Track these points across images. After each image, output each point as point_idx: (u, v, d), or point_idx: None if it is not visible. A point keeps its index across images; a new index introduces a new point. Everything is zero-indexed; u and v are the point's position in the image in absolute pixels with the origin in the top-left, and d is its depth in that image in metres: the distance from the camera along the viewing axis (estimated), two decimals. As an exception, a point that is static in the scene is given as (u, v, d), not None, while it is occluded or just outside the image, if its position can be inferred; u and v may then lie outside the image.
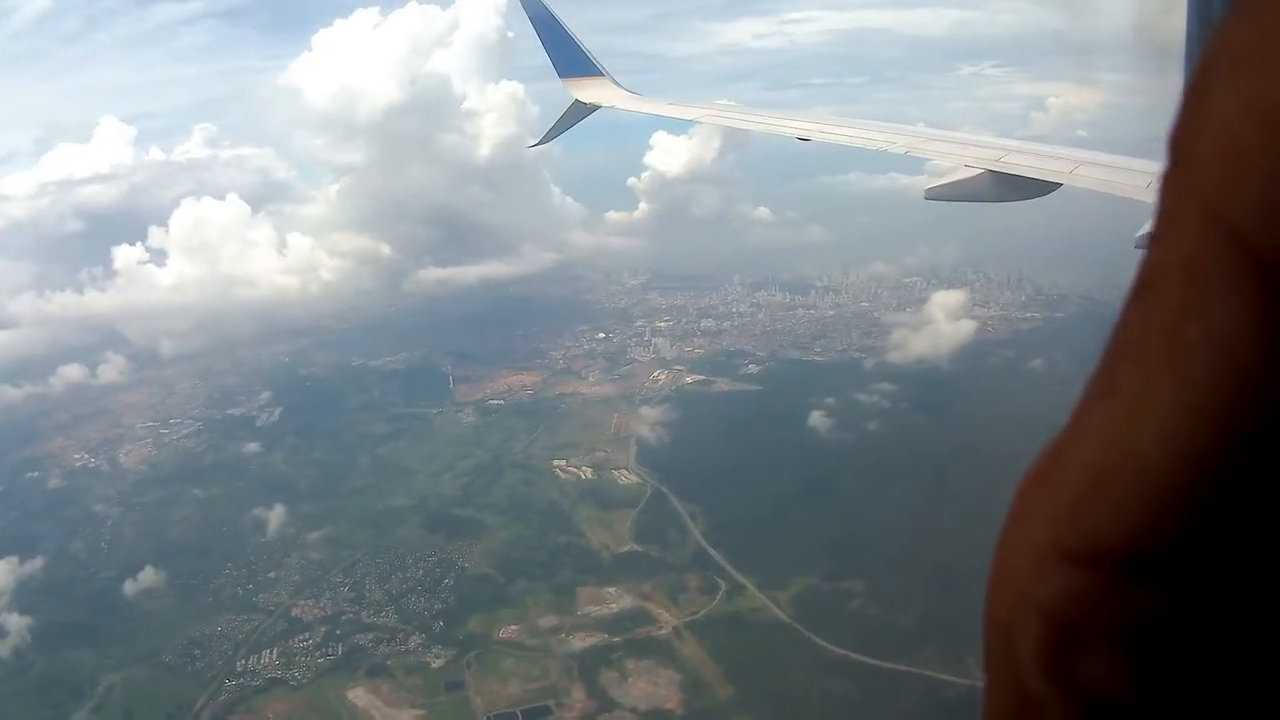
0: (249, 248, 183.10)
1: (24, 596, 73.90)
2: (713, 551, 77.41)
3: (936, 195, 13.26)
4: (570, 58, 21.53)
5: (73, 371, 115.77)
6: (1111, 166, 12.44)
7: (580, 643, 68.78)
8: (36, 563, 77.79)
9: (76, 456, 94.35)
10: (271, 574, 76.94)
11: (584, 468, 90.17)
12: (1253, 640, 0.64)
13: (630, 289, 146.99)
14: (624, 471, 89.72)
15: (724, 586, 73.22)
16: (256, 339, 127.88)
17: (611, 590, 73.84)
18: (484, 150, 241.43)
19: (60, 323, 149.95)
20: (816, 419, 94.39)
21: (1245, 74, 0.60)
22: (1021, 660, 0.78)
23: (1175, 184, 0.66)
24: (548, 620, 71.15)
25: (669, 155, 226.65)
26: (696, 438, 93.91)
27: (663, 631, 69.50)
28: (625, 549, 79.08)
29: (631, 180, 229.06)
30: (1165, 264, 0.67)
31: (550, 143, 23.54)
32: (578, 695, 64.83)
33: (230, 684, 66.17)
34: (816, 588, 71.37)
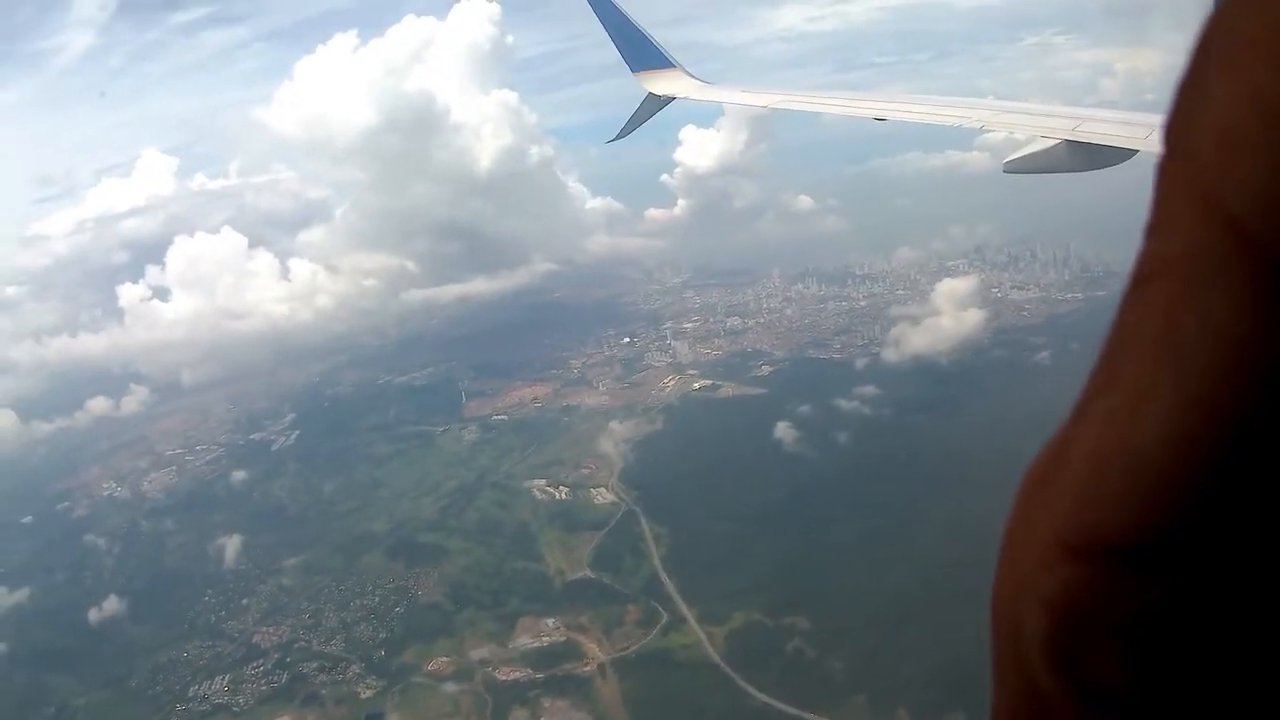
0: (276, 271, 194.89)
1: (18, 620, 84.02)
2: (665, 579, 78.52)
3: (1015, 168, 13.59)
4: (641, 51, 22.05)
5: (99, 404, 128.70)
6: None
7: (504, 678, 71.37)
8: (47, 587, 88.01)
9: (105, 486, 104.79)
10: (245, 601, 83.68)
11: (561, 488, 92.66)
12: (1254, 632, 0.66)
13: (669, 288, 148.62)
14: (602, 490, 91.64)
15: (664, 619, 74.18)
16: (293, 360, 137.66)
17: (550, 621, 76.03)
18: (499, 160, 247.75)
19: (78, 360, 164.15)
20: (783, 431, 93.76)
21: (1244, 62, 0.62)
22: (1028, 655, 0.80)
23: (1172, 174, 0.69)
24: (480, 652, 74.02)
25: (699, 150, 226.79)
26: (682, 451, 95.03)
27: (587, 669, 70.92)
28: (579, 575, 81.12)
29: (665, 177, 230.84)
30: (1163, 255, 0.69)
31: (612, 141, 24.05)
32: (482, 734, 67.84)
33: (180, 709, 72.99)
34: (757, 624, 71.30)
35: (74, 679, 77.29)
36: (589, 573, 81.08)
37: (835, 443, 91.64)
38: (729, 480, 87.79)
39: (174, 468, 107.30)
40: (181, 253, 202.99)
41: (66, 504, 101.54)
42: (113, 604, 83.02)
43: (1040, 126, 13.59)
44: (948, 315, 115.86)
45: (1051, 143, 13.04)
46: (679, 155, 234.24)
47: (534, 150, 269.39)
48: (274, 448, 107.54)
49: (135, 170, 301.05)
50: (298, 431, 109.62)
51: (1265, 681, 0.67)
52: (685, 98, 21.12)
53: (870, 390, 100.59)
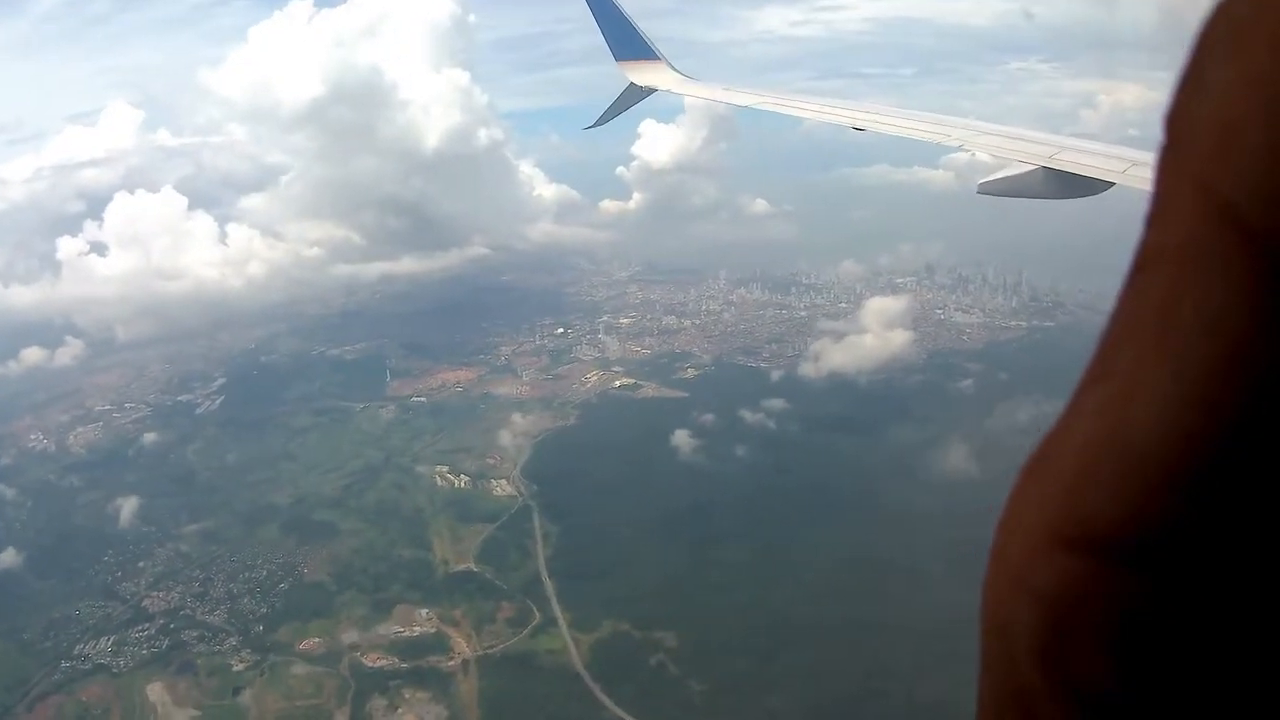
0: (215, 234, 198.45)
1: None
2: (546, 580, 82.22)
3: (989, 190, 13.63)
4: (626, 40, 22.30)
5: (33, 354, 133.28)
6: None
7: (370, 664, 75.19)
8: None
9: (33, 437, 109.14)
10: (141, 563, 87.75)
11: (462, 476, 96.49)
12: (1249, 634, 0.68)
13: (614, 281, 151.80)
14: (503, 482, 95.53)
15: (537, 620, 77.82)
16: (234, 323, 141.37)
17: (424, 612, 79.88)
18: (447, 139, 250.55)
19: (12, 309, 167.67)
20: (681, 439, 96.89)
21: (1243, 51, 0.63)
22: (1015, 652, 0.82)
23: (1171, 163, 0.70)
24: (351, 636, 77.90)
25: (658, 144, 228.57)
26: (588, 450, 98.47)
27: (451, 664, 74.65)
28: (462, 568, 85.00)
29: (620, 169, 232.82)
30: (1161, 244, 0.71)
31: (589, 128, 24.96)
32: (340, 719, 71.84)
33: (65, 666, 77.28)
34: (625, 635, 74.58)
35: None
36: (473, 565, 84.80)
37: (733, 455, 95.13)
38: (628, 484, 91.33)
39: (101, 424, 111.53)
40: (121, 209, 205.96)
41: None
42: (10, 556, 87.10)
43: (1018, 151, 13.93)
44: (875, 334, 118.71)
45: (1028, 168, 13.29)
46: (636, 149, 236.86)
47: (483, 132, 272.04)
48: (198, 411, 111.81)
49: (100, 121, 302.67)
50: (223, 397, 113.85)
51: (1259, 685, 0.64)
52: (667, 90, 21.67)
53: (779, 404, 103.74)
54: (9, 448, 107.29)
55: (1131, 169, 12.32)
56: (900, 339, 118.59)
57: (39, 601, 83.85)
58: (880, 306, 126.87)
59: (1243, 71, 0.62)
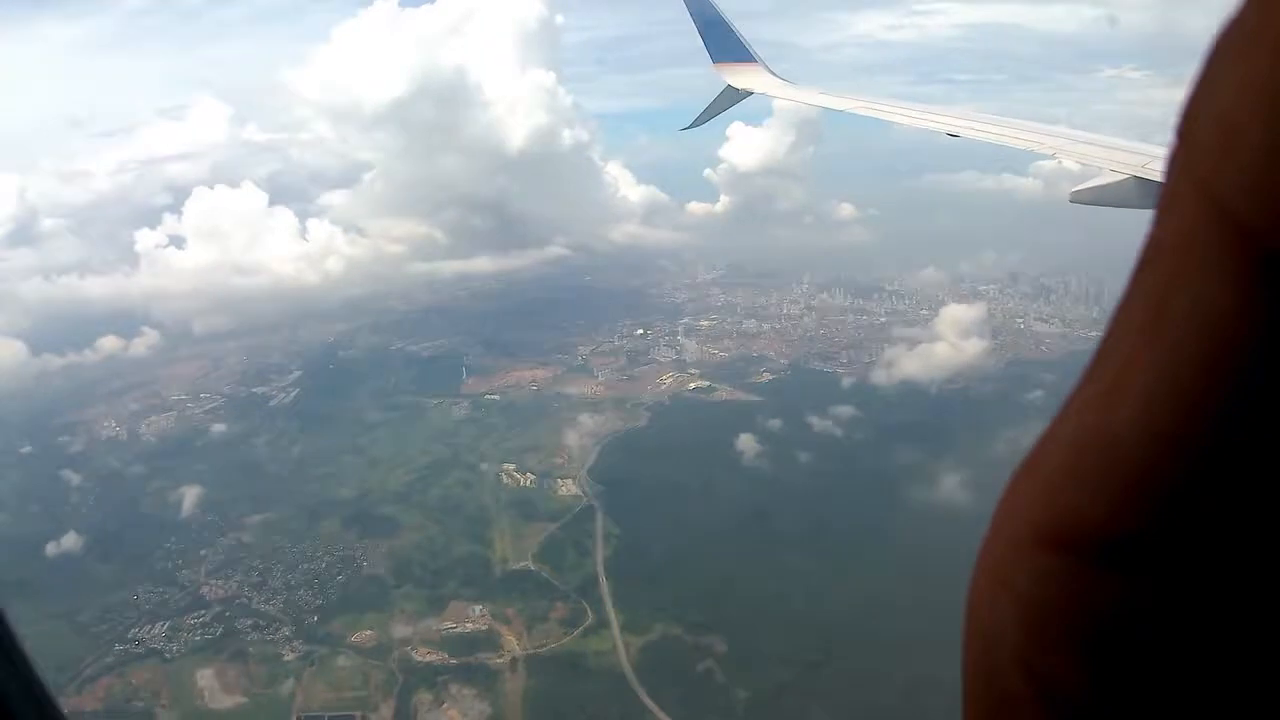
0: (303, 231, 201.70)
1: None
2: (603, 579, 79.97)
3: (1082, 199, 13.94)
4: (724, 43, 22.52)
5: (109, 343, 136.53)
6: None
7: (419, 658, 73.84)
8: (20, 516, 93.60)
9: (106, 424, 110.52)
10: (203, 551, 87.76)
11: (528, 474, 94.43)
12: (1233, 631, 0.65)
13: (698, 284, 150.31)
14: (569, 482, 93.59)
15: (589, 620, 75.90)
16: (316, 318, 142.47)
17: (478, 608, 78.16)
18: (532, 140, 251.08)
19: (90, 299, 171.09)
20: (746, 443, 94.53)
21: (1248, 54, 0.64)
22: (999, 655, 0.79)
23: (1178, 163, 0.70)
24: (403, 630, 76.66)
25: (745, 147, 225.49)
26: (656, 451, 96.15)
27: (499, 661, 73.07)
28: (520, 566, 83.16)
29: (707, 172, 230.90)
30: (1159, 240, 0.72)
31: (685, 129, 25.55)
32: (385, 712, 70.07)
33: (118, 649, 77.38)
34: (676, 639, 72.59)
35: (31, 607, 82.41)
36: (531, 564, 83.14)
37: (796, 461, 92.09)
38: (691, 487, 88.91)
39: (174, 413, 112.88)
40: (200, 203, 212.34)
41: (67, 438, 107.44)
42: (71, 540, 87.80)
43: (1111, 159, 13.99)
44: (949, 342, 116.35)
45: (1120, 176, 13.39)
46: (724, 151, 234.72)
47: (568, 133, 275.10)
48: (271, 403, 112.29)
49: (189, 115, 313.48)
50: (297, 390, 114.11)
51: (1235, 691, 0.64)
52: (763, 93, 21.61)
53: (847, 410, 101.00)
54: (81, 434, 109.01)
55: None
56: (975, 347, 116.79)
57: (98, 585, 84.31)
58: (956, 314, 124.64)
59: (1246, 75, 0.63)
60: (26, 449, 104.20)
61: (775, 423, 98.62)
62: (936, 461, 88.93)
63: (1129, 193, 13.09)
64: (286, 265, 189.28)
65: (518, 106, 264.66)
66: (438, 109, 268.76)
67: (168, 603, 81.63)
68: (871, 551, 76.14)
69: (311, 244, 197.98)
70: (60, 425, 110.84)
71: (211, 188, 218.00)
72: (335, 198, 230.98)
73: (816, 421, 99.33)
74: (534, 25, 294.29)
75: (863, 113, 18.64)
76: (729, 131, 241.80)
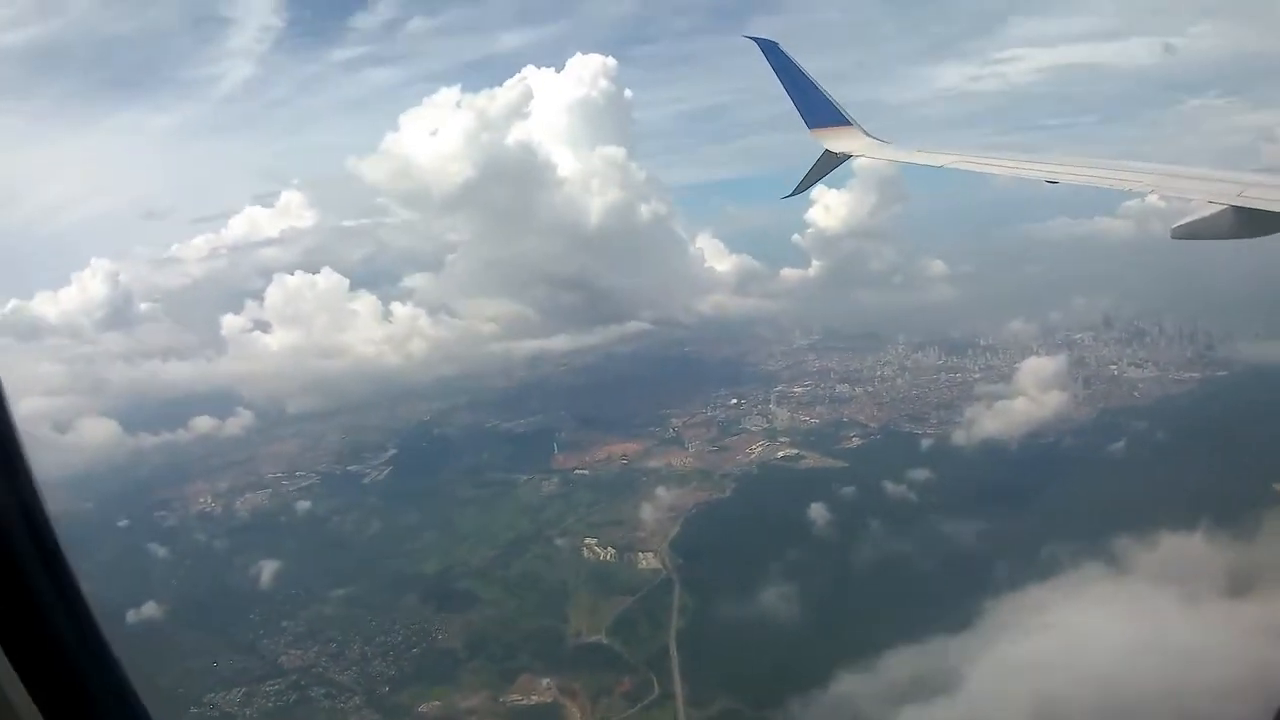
0: (386, 313, 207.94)
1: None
2: (674, 653, 79.41)
3: (1183, 234, 13.96)
4: (817, 108, 22.87)
5: (203, 423, 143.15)
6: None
7: (482, 730, 74.30)
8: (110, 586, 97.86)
9: (201, 500, 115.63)
10: (284, 623, 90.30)
11: (609, 548, 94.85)
12: None
13: (794, 350, 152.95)
14: (649, 555, 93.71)
15: (654, 694, 75.40)
16: (414, 396, 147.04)
17: (545, 681, 78.39)
18: (609, 215, 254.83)
19: (177, 381, 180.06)
20: (817, 512, 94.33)
21: None
22: None
23: None
24: (470, 702, 77.60)
25: (830, 210, 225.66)
26: (738, 523, 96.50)
27: (560, 734, 73.10)
28: (593, 639, 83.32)
29: (795, 237, 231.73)
30: None
31: (787, 197, 25.71)
32: (446, 779, 70.66)
33: (193, 712, 80.00)
34: (735, 713, 71.92)
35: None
36: (603, 638, 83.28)
37: (866, 529, 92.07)
38: (768, 559, 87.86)
39: (270, 490, 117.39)
40: (282, 288, 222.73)
41: (163, 513, 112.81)
42: (151, 608, 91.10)
43: (1206, 191, 14.04)
44: (1030, 397, 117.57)
45: (1217, 208, 13.39)
46: (810, 215, 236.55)
47: (644, 207, 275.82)
48: (365, 480, 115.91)
49: (280, 201, 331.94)
50: (391, 468, 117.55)
51: None
52: (861, 155, 21.96)
53: (923, 474, 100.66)
54: (179, 509, 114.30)
55: None
56: (1056, 400, 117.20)
57: (183, 652, 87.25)
58: (1036, 366, 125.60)
59: None
60: (124, 523, 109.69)
61: (848, 490, 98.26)
62: (1006, 522, 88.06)
63: (1228, 223, 13.09)
64: (369, 347, 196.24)
65: (591, 184, 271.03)
66: (510, 190, 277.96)
67: (246, 670, 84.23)
68: (933, 633, 73.51)
69: (395, 325, 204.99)
70: (157, 501, 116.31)
71: (292, 273, 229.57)
72: (419, 280, 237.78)
73: (891, 486, 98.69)
74: (602, 102, 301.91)
75: (962, 167, 18.93)
76: (814, 195, 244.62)
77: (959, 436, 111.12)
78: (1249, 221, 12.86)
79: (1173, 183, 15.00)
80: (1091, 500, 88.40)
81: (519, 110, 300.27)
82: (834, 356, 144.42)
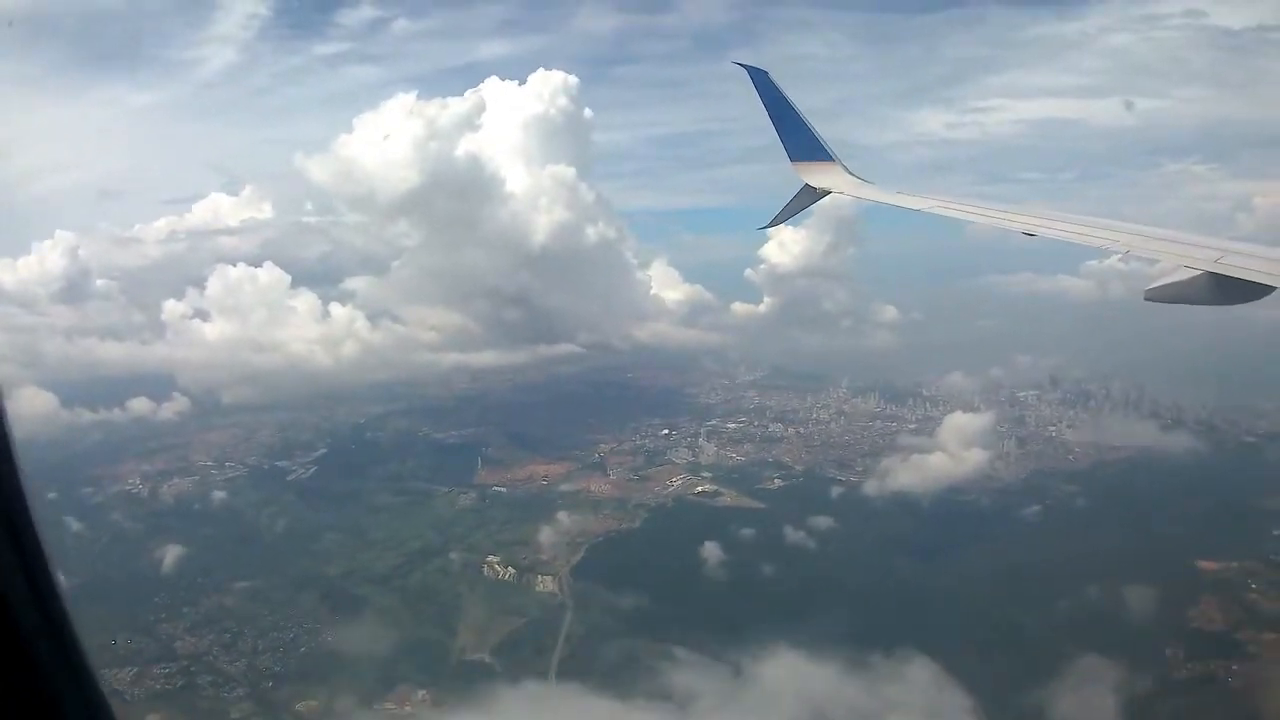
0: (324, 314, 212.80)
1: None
2: (553, 679, 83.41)
3: (1156, 297, 13.89)
4: (801, 141, 23.19)
5: (140, 405, 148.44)
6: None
7: (355, 737, 78.37)
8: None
9: (130, 482, 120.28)
10: (185, 609, 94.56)
11: (509, 568, 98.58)
12: None
13: (736, 384, 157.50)
14: (549, 578, 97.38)
15: (523, 716, 78.96)
16: (354, 399, 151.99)
17: (421, 693, 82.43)
18: (558, 235, 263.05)
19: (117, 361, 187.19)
20: (711, 552, 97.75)
21: None
22: None
23: None
24: (345, 705, 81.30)
25: (785, 248, 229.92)
26: (642, 554, 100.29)
27: (420, 746, 77.17)
28: (476, 657, 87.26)
29: (748, 272, 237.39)
30: None
31: (763, 228, 26.56)
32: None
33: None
34: None
35: None
36: (487, 656, 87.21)
37: (759, 573, 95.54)
38: (661, 593, 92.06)
39: (197, 478, 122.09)
40: (223, 279, 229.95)
41: (90, 490, 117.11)
42: (75, 585, 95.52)
43: (1183, 255, 14.16)
44: (950, 453, 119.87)
45: (1192, 273, 13.45)
46: (764, 251, 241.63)
47: (591, 229, 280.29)
48: (289, 477, 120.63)
49: (245, 190, 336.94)
50: (317, 467, 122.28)
51: None
52: (840, 193, 22.34)
53: (826, 522, 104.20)
54: (108, 488, 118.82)
55: None
56: (977, 457, 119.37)
57: (82, 626, 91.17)
58: (964, 423, 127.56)
59: None
60: (51, 496, 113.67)
61: (748, 532, 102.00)
62: (901, 576, 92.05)
63: (1204, 289, 13.18)
64: (302, 346, 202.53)
65: (539, 201, 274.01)
66: (455, 201, 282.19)
67: (141, 651, 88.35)
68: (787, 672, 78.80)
69: (331, 326, 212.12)
70: (87, 477, 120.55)
71: (249, 265, 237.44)
72: (361, 283, 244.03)
73: (791, 532, 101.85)
74: (560, 120, 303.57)
75: (942, 212, 19.27)
76: (770, 231, 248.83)
77: (871, 487, 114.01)
78: (1225, 288, 12.97)
79: (1151, 244, 15.13)
80: (964, 571, 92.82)
81: (470, 122, 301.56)
82: (774, 395, 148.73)
